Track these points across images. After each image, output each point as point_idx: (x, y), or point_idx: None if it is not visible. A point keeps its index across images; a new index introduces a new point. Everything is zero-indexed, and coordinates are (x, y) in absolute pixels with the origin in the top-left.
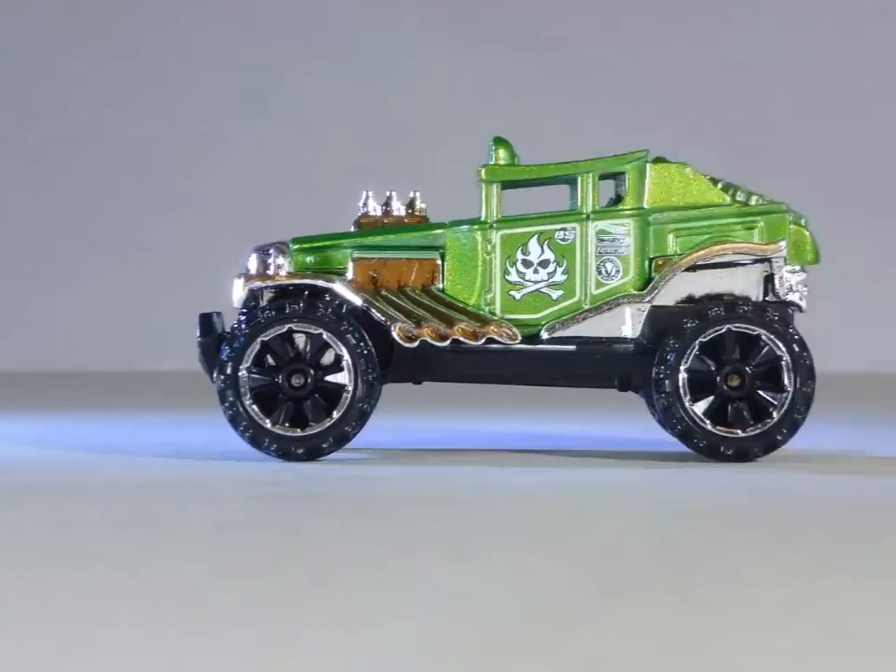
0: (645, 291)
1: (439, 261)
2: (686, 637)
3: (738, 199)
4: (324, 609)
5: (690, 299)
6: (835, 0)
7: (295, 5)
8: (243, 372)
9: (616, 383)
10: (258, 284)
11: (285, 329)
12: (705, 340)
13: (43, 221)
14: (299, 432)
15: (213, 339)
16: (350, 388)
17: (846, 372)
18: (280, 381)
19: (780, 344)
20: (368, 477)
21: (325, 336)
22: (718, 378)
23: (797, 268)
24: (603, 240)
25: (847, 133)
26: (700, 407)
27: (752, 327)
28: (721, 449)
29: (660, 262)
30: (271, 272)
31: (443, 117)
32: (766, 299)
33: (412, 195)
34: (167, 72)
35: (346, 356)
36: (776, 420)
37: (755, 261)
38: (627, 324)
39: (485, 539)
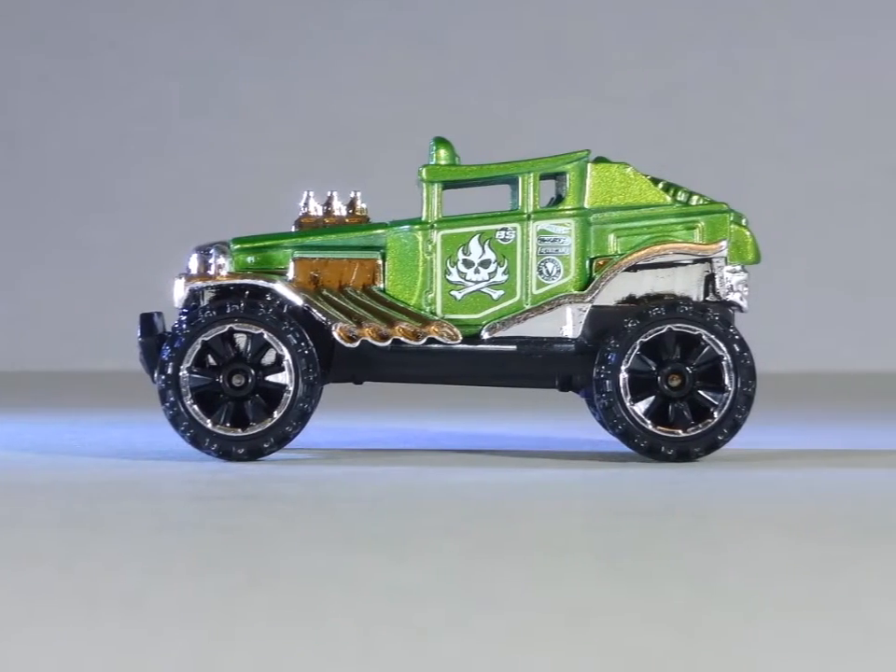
0: (586, 291)
1: (380, 261)
2: (639, 634)
3: (679, 199)
4: (264, 608)
5: (630, 299)
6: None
7: (235, 4)
8: (183, 372)
9: (557, 383)
10: (198, 284)
11: (225, 329)
12: (645, 340)
13: None
14: (240, 432)
15: (154, 339)
16: (291, 388)
17: (787, 372)
18: (221, 381)
19: (721, 344)
20: (309, 477)
21: (266, 336)
22: (658, 378)
23: (738, 268)
24: (544, 240)
25: (788, 134)
26: (641, 407)
27: (693, 327)
28: (662, 449)
29: (601, 262)
30: (211, 272)
31: (384, 117)
32: (707, 299)
33: (352, 195)
34: (106, 72)
35: (287, 356)
36: (716, 420)
37: (696, 261)
38: (568, 324)
39: (426, 539)
